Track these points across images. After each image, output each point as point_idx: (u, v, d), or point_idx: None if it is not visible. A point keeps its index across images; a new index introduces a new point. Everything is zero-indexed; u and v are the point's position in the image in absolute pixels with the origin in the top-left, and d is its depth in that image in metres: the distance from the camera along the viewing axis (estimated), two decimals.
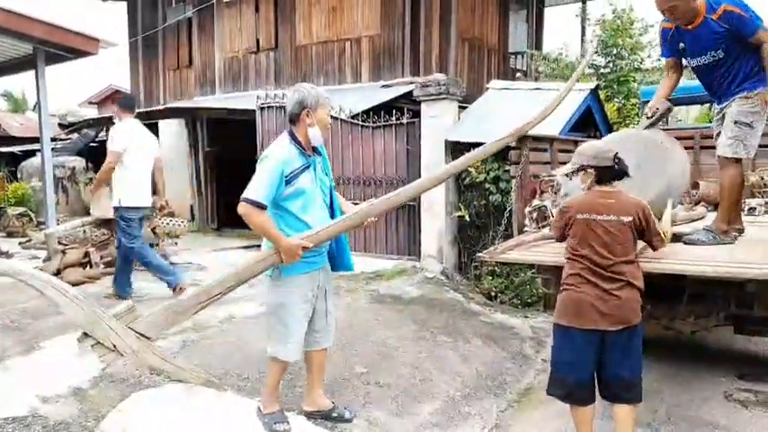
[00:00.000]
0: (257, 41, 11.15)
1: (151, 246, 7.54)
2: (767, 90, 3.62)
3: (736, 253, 3.39)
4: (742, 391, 4.11)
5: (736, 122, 3.67)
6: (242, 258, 7.95)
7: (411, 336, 4.97)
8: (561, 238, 3.15)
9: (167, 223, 8.11)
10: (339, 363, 4.24)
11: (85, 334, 2.24)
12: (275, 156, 2.90)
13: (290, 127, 3.00)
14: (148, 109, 11.71)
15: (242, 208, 2.83)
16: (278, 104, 8.46)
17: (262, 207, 2.83)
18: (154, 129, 12.70)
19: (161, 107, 12.00)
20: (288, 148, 2.94)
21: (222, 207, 11.85)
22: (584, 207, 3.00)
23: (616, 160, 2.99)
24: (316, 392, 3.41)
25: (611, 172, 2.98)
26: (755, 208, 5.79)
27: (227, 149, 11.47)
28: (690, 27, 3.63)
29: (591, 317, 2.90)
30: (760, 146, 6.80)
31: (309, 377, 3.43)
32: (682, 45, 3.78)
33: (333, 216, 3.13)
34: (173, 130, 12.14)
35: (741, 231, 3.85)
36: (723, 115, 3.83)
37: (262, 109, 8.72)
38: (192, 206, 11.94)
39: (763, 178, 6.34)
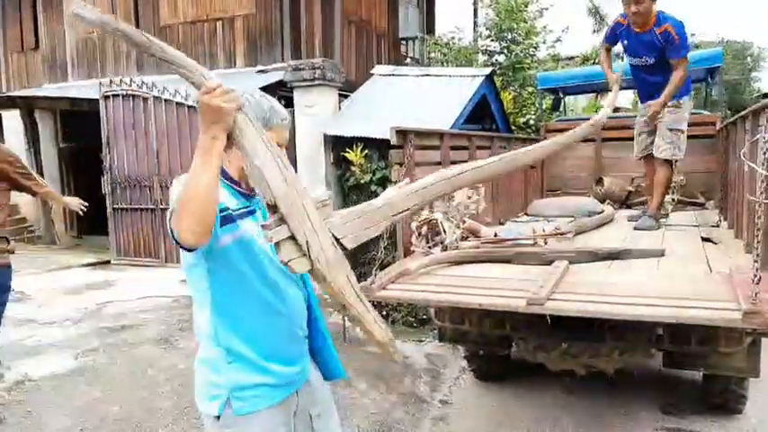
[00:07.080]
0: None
1: None
2: (687, 99, 4.39)
3: (663, 283, 2.73)
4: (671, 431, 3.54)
5: (671, 130, 4.27)
6: (80, 279, 6.63)
7: None
8: None
9: None
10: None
11: (280, 218, 1.28)
12: None
13: None
14: None
15: None
16: (125, 92, 7.10)
17: None
18: None
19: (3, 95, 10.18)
20: None
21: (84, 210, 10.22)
22: None
23: None
24: None
25: None
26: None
27: (86, 144, 9.83)
28: (638, 30, 4.15)
29: None
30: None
31: None
32: (625, 42, 4.32)
33: None
34: (20, 123, 10.31)
35: (666, 215, 4.72)
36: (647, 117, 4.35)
37: (106, 98, 7.29)
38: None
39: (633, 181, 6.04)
